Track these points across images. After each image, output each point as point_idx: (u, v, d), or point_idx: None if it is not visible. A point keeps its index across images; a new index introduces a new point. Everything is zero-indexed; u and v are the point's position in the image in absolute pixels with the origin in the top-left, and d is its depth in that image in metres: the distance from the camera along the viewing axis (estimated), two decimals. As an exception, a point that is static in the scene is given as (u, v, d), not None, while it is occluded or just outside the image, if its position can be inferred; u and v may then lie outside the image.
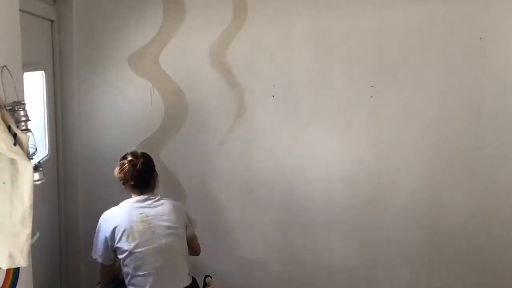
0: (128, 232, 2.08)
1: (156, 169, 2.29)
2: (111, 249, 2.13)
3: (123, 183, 2.21)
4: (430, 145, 2.61)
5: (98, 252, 2.18)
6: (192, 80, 2.59)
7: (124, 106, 2.60)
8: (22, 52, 1.58)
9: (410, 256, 2.71)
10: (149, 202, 2.18)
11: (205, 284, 2.49)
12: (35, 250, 1.58)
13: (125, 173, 2.18)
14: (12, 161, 1.27)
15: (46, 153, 2.40)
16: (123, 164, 2.20)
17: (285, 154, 2.64)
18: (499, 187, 2.63)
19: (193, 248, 2.33)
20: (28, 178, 1.28)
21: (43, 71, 2.37)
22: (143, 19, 2.54)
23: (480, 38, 2.53)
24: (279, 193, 2.67)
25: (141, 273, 2.07)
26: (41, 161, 2.21)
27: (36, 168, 1.38)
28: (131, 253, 2.07)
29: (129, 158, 2.19)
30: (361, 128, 2.61)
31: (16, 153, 1.24)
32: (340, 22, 2.55)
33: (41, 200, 2.17)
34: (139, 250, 2.07)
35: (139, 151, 2.25)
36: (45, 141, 2.40)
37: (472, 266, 2.69)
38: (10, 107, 1.34)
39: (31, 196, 1.30)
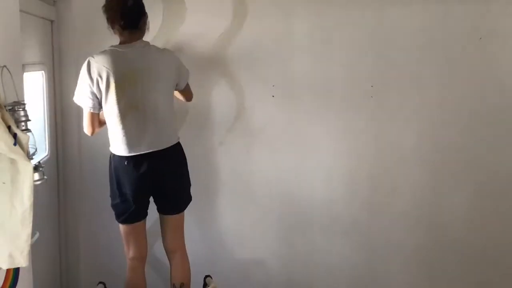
0: (113, 85, 2.00)
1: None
2: (96, 96, 2.05)
3: (111, 24, 2.08)
4: (430, 145, 2.61)
5: (82, 99, 2.08)
6: (192, 79, 2.59)
7: (124, 106, 2.60)
8: (22, 52, 1.58)
9: (410, 256, 2.71)
10: (138, 50, 2.06)
11: (205, 284, 2.49)
12: (35, 250, 1.58)
13: (114, 10, 2.04)
14: (12, 161, 1.27)
15: (46, 153, 2.40)
16: (111, 1, 2.05)
17: (285, 154, 2.64)
18: (499, 187, 2.63)
19: (185, 96, 2.30)
20: (28, 178, 1.29)
21: (43, 71, 2.37)
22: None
23: (480, 38, 2.53)
24: (279, 193, 2.67)
25: (122, 129, 2.03)
26: (41, 161, 2.21)
27: (36, 168, 1.38)
28: (114, 106, 2.01)
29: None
30: (361, 128, 2.61)
31: (16, 153, 1.24)
32: (340, 22, 2.55)
33: (41, 200, 2.17)
34: (121, 105, 2.00)
35: None
36: (45, 141, 2.40)
37: (472, 266, 2.69)
38: (10, 107, 1.34)
39: (31, 196, 1.30)
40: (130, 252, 2.26)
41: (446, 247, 2.69)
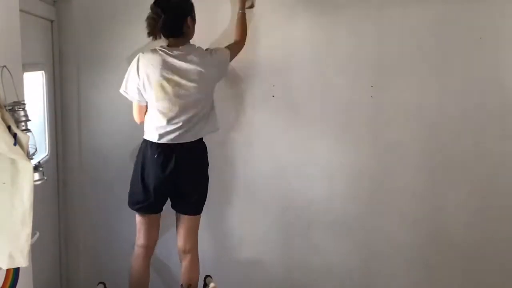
0: (154, 86, 2.14)
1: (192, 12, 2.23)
2: (142, 91, 2.20)
3: (152, 38, 2.19)
4: (430, 145, 2.61)
5: (130, 93, 2.24)
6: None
7: (124, 106, 2.60)
8: (22, 52, 1.58)
9: (409, 256, 2.71)
10: (183, 53, 2.17)
11: (205, 284, 2.49)
12: (35, 250, 1.58)
13: (155, 21, 2.14)
14: (12, 161, 1.27)
15: (46, 153, 2.40)
16: (149, 15, 2.15)
17: (285, 154, 2.64)
18: (499, 187, 2.63)
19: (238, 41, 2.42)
20: (28, 178, 1.28)
21: (43, 71, 2.37)
22: (143, 19, 2.53)
23: (480, 38, 2.53)
24: (279, 193, 2.67)
25: (161, 120, 2.18)
26: (41, 161, 2.21)
27: (36, 168, 1.38)
28: (156, 102, 2.16)
29: (155, 10, 2.13)
30: (361, 128, 2.61)
31: (16, 153, 1.24)
32: (340, 22, 2.55)
33: (41, 200, 2.17)
34: (164, 103, 2.15)
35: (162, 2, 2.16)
36: (45, 141, 2.40)
37: (472, 266, 2.69)
38: (10, 107, 1.34)
39: (31, 196, 1.30)
40: (139, 239, 2.35)
41: (446, 247, 2.69)
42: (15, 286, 1.40)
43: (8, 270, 1.37)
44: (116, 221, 2.68)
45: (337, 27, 2.55)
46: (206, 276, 2.52)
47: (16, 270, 1.39)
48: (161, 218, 2.71)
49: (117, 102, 2.59)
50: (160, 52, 2.17)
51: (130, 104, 2.60)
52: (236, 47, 2.39)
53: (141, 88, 2.19)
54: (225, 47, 2.35)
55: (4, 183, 1.27)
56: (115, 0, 2.53)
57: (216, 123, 2.34)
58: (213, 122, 2.32)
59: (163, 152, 2.20)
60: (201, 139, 2.30)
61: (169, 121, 2.17)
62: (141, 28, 2.52)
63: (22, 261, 1.32)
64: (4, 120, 1.25)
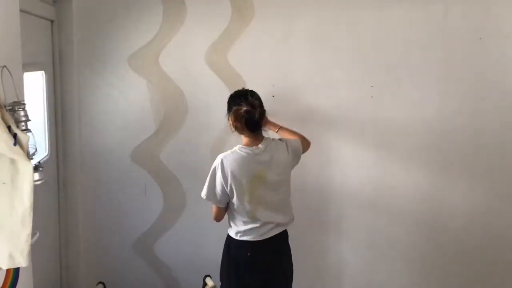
0: (243, 188, 2.05)
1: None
2: (226, 194, 2.09)
3: (235, 129, 2.10)
4: (430, 145, 2.61)
5: (210, 196, 2.12)
6: (192, 80, 2.59)
7: (124, 106, 2.61)
8: (22, 52, 1.58)
9: (410, 256, 2.71)
10: (263, 150, 2.08)
11: (204, 284, 2.49)
12: (35, 250, 1.58)
13: (241, 122, 2.05)
14: (12, 161, 1.27)
15: (46, 153, 2.40)
16: (239, 113, 2.04)
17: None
18: (499, 188, 2.63)
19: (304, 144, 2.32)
20: (28, 178, 1.28)
21: (43, 71, 2.37)
22: (143, 19, 2.54)
23: (480, 38, 2.53)
24: (279, 193, 2.67)
25: (247, 222, 2.10)
26: (41, 161, 2.21)
27: (36, 168, 1.38)
28: (242, 205, 2.06)
29: (245, 108, 2.04)
30: (361, 128, 2.61)
31: (16, 153, 1.24)
32: (340, 22, 2.55)
33: (41, 200, 2.17)
34: (250, 206, 2.06)
35: (250, 96, 2.08)
36: (45, 141, 2.40)
37: (473, 267, 2.69)
38: (10, 107, 1.34)
39: (31, 196, 1.30)
40: None
41: (446, 247, 2.69)
42: (15, 286, 1.40)
43: (8, 270, 1.37)
44: (116, 221, 2.68)
45: (337, 27, 2.55)
46: (206, 276, 2.52)
47: (16, 270, 1.39)
48: (161, 216, 2.73)
49: (117, 102, 2.60)
50: (241, 152, 2.07)
51: (130, 103, 2.61)
52: (303, 141, 2.31)
53: (225, 190, 2.07)
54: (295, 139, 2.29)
55: (4, 183, 1.27)
56: (115, 0, 2.53)
57: (292, 210, 2.24)
58: (291, 209, 2.24)
59: (257, 246, 2.11)
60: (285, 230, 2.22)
61: (258, 218, 2.09)
62: (141, 28, 2.55)
63: (22, 261, 1.32)
64: (4, 120, 1.25)
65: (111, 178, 2.65)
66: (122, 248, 2.70)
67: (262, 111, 2.09)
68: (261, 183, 2.07)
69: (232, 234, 2.14)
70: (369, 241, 2.70)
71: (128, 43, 2.55)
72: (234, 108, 2.06)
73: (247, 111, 2.03)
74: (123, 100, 2.60)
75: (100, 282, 2.59)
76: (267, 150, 2.09)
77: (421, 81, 2.57)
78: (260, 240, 2.10)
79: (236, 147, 2.10)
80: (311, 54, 2.57)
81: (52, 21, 2.47)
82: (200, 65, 2.57)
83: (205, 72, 2.57)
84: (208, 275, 2.52)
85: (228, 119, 2.09)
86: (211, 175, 2.08)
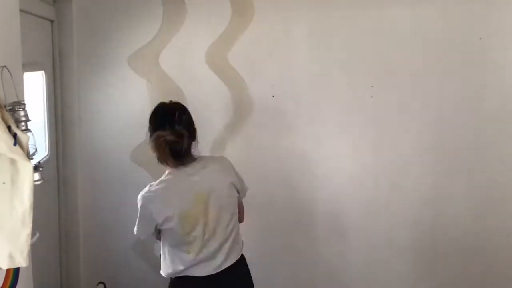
0: (181, 218, 1.72)
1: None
2: (157, 228, 1.79)
3: (156, 158, 1.76)
4: (430, 145, 2.61)
5: (143, 233, 1.82)
6: (192, 80, 2.59)
7: (124, 106, 2.61)
8: (22, 52, 1.58)
9: (410, 256, 2.71)
10: (196, 173, 1.76)
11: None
12: (35, 250, 1.58)
13: (163, 152, 1.71)
14: (12, 161, 1.27)
15: (46, 153, 2.40)
16: (160, 142, 1.69)
17: (285, 154, 2.64)
18: (499, 188, 2.63)
19: (239, 215, 1.94)
20: (28, 178, 1.28)
21: (43, 71, 2.37)
22: (143, 19, 2.55)
23: (480, 38, 2.53)
24: (279, 193, 2.67)
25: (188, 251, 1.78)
26: (41, 161, 2.21)
27: (36, 168, 1.38)
28: (180, 236, 1.75)
29: (169, 137, 1.68)
30: (361, 128, 2.61)
31: (16, 153, 1.24)
32: (340, 22, 2.55)
33: (41, 200, 2.17)
34: (191, 234, 1.74)
35: (178, 119, 1.71)
36: (45, 141, 2.40)
37: (472, 267, 2.69)
38: (10, 107, 1.34)
39: (31, 196, 1.29)
40: None
41: (446, 247, 2.69)
42: (15, 286, 1.40)
43: (8, 270, 1.37)
44: (116, 221, 2.68)
45: (337, 27, 2.55)
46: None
47: (16, 270, 1.39)
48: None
49: (117, 102, 2.60)
50: (170, 182, 1.76)
51: (130, 103, 2.61)
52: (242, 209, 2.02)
53: (158, 223, 1.76)
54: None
55: (4, 183, 1.27)
56: (115, 0, 2.54)
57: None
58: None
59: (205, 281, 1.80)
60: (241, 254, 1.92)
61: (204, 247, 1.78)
62: (141, 28, 2.55)
63: (22, 261, 1.32)
64: (4, 120, 1.24)
65: (111, 178, 2.65)
66: (122, 248, 2.70)
67: (192, 138, 1.76)
68: (201, 205, 1.75)
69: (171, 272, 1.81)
70: (368, 241, 2.70)
71: (128, 43, 2.55)
72: (155, 134, 1.70)
73: (170, 142, 1.68)
74: (123, 100, 2.60)
75: (100, 282, 2.59)
76: (205, 167, 1.80)
77: (421, 81, 2.57)
78: (214, 274, 1.80)
79: (164, 175, 1.78)
80: (311, 54, 2.57)
81: (52, 21, 2.47)
82: (200, 65, 2.57)
83: (205, 72, 2.57)
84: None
85: (148, 140, 1.76)
86: (139, 210, 1.77)
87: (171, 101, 1.87)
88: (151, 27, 2.55)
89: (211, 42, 2.56)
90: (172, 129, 1.69)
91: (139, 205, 1.76)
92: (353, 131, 2.62)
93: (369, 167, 2.64)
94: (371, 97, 2.58)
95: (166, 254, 1.84)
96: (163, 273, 1.87)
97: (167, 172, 1.80)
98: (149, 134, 1.76)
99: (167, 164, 1.77)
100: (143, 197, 1.75)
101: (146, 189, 1.76)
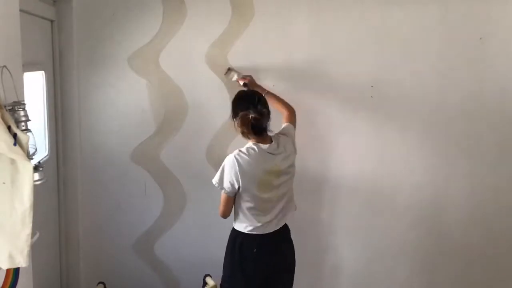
0: (257, 183, 2.07)
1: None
2: (238, 188, 2.09)
3: (241, 134, 2.12)
4: (430, 145, 2.61)
5: (226, 187, 2.11)
6: (192, 80, 2.59)
7: (124, 106, 2.60)
8: (22, 52, 1.58)
9: (411, 255, 2.71)
10: (274, 152, 2.10)
11: (204, 284, 2.49)
12: (35, 250, 1.58)
13: (248, 128, 2.07)
14: (12, 161, 1.27)
15: (46, 153, 2.40)
16: (246, 119, 2.05)
17: (285, 154, 2.64)
18: (499, 187, 2.63)
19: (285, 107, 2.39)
20: (28, 178, 1.28)
21: (43, 71, 2.37)
22: (143, 19, 2.54)
23: (480, 38, 2.53)
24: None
25: (256, 215, 2.12)
26: (41, 161, 2.21)
27: (36, 168, 1.38)
28: (255, 197, 2.09)
29: (253, 115, 2.05)
30: (361, 128, 2.61)
31: (16, 153, 1.24)
32: (340, 22, 2.55)
33: (41, 200, 2.17)
34: (264, 196, 2.10)
35: (258, 102, 2.09)
36: (45, 141, 2.40)
37: (472, 266, 2.70)
38: (10, 107, 1.34)
39: (31, 196, 1.30)
40: None
41: (447, 247, 2.69)
42: (15, 286, 1.40)
43: (8, 270, 1.37)
44: (116, 221, 2.68)
45: (337, 27, 2.55)
46: (206, 275, 2.52)
47: (16, 270, 1.39)
48: (161, 216, 2.72)
49: (117, 102, 2.60)
50: (254, 149, 2.09)
51: (130, 103, 2.61)
52: (291, 117, 2.36)
53: (240, 183, 2.08)
54: (285, 122, 2.33)
55: (4, 183, 1.27)
56: (115, 0, 2.53)
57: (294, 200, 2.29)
58: (293, 200, 2.28)
59: (262, 243, 2.14)
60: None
61: (268, 211, 2.14)
62: (141, 28, 2.55)
63: (22, 261, 1.32)
64: (4, 120, 1.25)
65: (111, 178, 2.65)
66: (122, 248, 2.70)
67: (268, 117, 2.11)
68: (274, 178, 2.10)
69: (239, 228, 2.16)
70: (368, 239, 2.71)
71: (128, 43, 2.55)
72: (241, 113, 2.07)
73: (255, 118, 2.05)
74: (123, 100, 2.60)
75: (100, 282, 2.58)
76: (280, 146, 2.13)
77: (421, 81, 2.57)
78: (266, 234, 2.13)
79: (248, 144, 2.12)
80: (311, 54, 2.57)
81: (52, 21, 2.47)
82: (200, 65, 2.57)
83: (205, 72, 2.57)
84: (208, 275, 2.52)
85: (233, 120, 2.14)
86: (226, 164, 2.09)
87: (246, 90, 2.32)
88: (151, 27, 2.54)
89: (211, 42, 2.55)
90: (255, 108, 2.06)
91: (228, 165, 2.09)
92: (353, 131, 2.62)
93: (369, 167, 2.64)
94: (371, 97, 2.58)
95: (240, 213, 2.15)
96: (236, 227, 2.18)
97: (251, 143, 2.12)
98: (232, 115, 2.15)
99: (249, 138, 2.12)
100: (235, 158, 2.07)
101: (236, 152, 2.09)
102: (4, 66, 1.32)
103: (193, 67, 2.58)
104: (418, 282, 2.73)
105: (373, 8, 2.53)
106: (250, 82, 2.43)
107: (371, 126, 2.61)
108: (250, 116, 2.04)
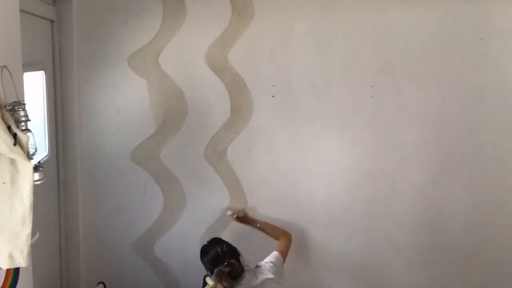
0: None
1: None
2: None
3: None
4: (430, 145, 2.61)
5: None
6: (192, 80, 2.59)
7: (124, 106, 2.61)
8: (22, 52, 1.58)
9: (409, 255, 2.71)
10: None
11: (204, 284, 2.49)
12: (35, 250, 1.58)
13: (229, 281, 2.14)
14: (12, 161, 1.27)
15: (46, 153, 2.40)
16: (222, 277, 2.13)
17: (285, 154, 2.64)
18: (499, 187, 2.63)
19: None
20: (28, 178, 1.28)
21: (43, 71, 2.37)
22: (143, 19, 2.54)
23: (480, 38, 2.53)
24: (279, 193, 2.67)
25: None
26: (41, 161, 2.21)
27: (36, 168, 1.38)
28: None
29: (225, 270, 2.14)
30: (361, 128, 2.61)
31: (16, 153, 1.24)
32: (340, 22, 2.55)
33: (41, 200, 2.17)
34: None
35: (222, 254, 2.19)
36: (45, 141, 2.40)
37: (472, 266, 2.69)
38: (10, 107, 1.34)
39: (31, 196, 1.29)
40: None
41: (446, 248, 2.69)
42: (15, 286, 1.40)
43: (8, 270, 1.37)
44: (116, 221, 2.68)
45: (337, 27, 2.55)
46: (206, 275, 2.52)
47: (16, 270, 1.39)
48: (161, 216, 2.72)
49: (117, 102, 2.60)
50: None
51: (130, 103, 2.61)
52: (281, 246, 2.42)
53: None
54: (275, 250, 2.38)
55: (4, 183, 1.27)
56: (115, 0, 2.53)
57: None
58: None
59: None
60: None
61: None
62: (141, 28, 2.55)
63: (22, 261, 1.32)
64: (4, 120, 1.24)
65: (111, 178, 2.65)
66: (122, 248, 2.70)
67: (238, 259, 2.17)
68: None
69: None
70: (368, 241, 2.70)
71: (128, 43, 2.55)
72: (215, 272, 2.13)
73: (228, 272, 2.11)
74: (123, 100, 2.60)
75: (100, 282, 2.58)
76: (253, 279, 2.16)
77: (421, 81, 2.57)
78: None
79: None
80: (311, 54, 2.57)
81: (52, 21, 2.46)
82: (200, 65, 2.57)
83: (205, 72, 2.57)
84: (208, 275, 2.51)
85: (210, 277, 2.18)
86: None
87: (207, 241, 2.33)
88: (151, 27, 2.54)
89: (211, 42, 2.56)
90: (224, 264, 2.13)
91: None
92: (353, 131, 2.62)
93: (369, 167, 2.64)
94: (371, 97, 2.58)
95: None
96: None
97: None
98: (206, 267, 2.25)
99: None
100: None
101: None
102: (4, 66, 1.32)
103: (193, 67, 2.58)
104: (417, 282, 2.73)
105: (373, 8, 2.53)
106: (243, 217, 2.58)
107: (370, 127, 2.61)
108: (224, 273, 2.11)
